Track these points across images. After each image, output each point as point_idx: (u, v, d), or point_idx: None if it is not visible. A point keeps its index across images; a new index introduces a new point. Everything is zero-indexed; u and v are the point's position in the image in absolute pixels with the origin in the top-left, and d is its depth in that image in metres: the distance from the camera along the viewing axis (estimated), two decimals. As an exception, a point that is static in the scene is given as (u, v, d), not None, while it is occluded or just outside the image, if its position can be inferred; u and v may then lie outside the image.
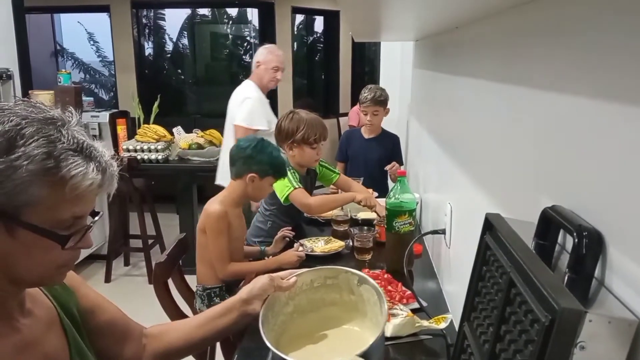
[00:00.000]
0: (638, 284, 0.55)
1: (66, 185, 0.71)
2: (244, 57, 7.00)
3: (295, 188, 2.14)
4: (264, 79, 3.21)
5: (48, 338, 0.84)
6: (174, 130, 4.06)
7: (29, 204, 0.70)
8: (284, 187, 2.16)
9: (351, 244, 2.03)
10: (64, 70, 4.40)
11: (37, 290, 0.86)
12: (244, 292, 1.15)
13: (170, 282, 1.91)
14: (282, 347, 1.12)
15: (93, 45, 7.29)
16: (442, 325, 1.32)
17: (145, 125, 3.92)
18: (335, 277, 1.24)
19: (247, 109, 3.09)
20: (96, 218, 0.80)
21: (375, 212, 2.16)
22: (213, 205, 1.91)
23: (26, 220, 0.71)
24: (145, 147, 3.74)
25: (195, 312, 2.02)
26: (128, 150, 3.75)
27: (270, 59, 3.21)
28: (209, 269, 1.95)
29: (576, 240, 0.61)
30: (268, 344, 1.04)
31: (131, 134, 3.98)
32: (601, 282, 0.62)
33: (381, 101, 2.99)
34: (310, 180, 2.39)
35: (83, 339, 0.91)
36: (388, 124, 3.27)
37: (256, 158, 1.89)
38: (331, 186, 2.56)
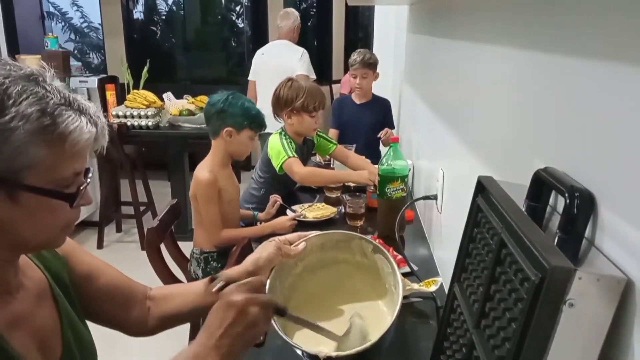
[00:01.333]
0: (628, 243, 0.55)
1: (65, 141, 0.69)
2: (236, 21, 6.86)
3: (289, 157, 2.13)
4: (297, 36, 3.87)
5: (39, 311, 0.82)
6: (164, 96, 4.00)
7: (29, 167, 0.68)
8: (279, 156, 2.15)
9: (343, 210, 2.03)
10: (51, 34, 4.30)
11: (28, 261, 0.84)
12: (249, 263, 1.07)
13: (163, 249, 1.92)
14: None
15: (78, 10, 7.11)
16: (432, 288, 1.34)
17: (135, 91, 3.85)
18: (347, 241, 1.15)
19: (308, 60, 3.78)
20: (90, 174, 0.78)
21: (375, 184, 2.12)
22: (202, 172, 1.90)
23: (29, 183, 0.68)
24: (135, 113, 3.69)
25: (189, 276, 2.04)
26: (118, 116, 3.69)
27: (299, 19, 3.88)
28: (207, 233, 1.96)
29: (568, 200, 0.61)
30: (273, 323, 0.96)
31: (120, 100, 3.92)
32: (591, 242, 0.62)
33: (370, 64, 2.96)
34: (306, 149, 2.38)
35: (75, 310, 0.89)
36: (382, 90, 3.24)
37: (228, 111, 1.88)
38: (326, 156, 2.55)
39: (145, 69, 4.04)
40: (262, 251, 1.08)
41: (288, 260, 1.12)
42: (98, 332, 0.97)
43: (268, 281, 1.06)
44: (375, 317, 1.08)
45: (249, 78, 3.96)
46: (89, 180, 0.77)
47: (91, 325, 0.95)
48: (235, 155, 1.97)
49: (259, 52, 3.95)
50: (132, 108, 3.71)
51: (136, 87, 3.99)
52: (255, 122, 1.92)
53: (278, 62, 3.71)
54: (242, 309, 0.80)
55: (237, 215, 2.07)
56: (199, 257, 1.99)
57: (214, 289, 0.89)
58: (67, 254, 0.91)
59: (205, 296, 1.05)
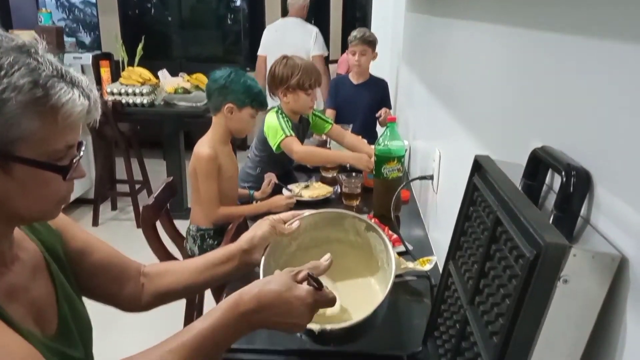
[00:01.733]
0: (623, 221, 0.55)
1: (58, 114, 0.69)
2: (232, -2, 6.77)
3: (287, 136, 2.12)
4: (306, 14, 3.90)
5: (35, 283, 0.82)
6: (159, 73, 3.96)
7: (21, 138, 0.67)
8: (276, 134, 2.14)
9: (339, 189, 2.04)
10: (44, 9, 4.24)
11: (23, 235, 0.84)
12: (244, 241, 1.08)
13: (158, 226, 1.91)
14: None
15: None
16: (427, 267, 1.35)
17: (130, 68, 3.81)
18: (340, 220, 1.15)
19: (321, 39, 3.86)
20: (83, 147, 0.78)
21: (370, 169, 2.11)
22: (202, 148, 1.90)
23: (21, 155, 0.68)
24: (130, 91, 3.65)
25: (184, 253, 2.04)
26: (112, 94, 3.66)
27: None
28: (204, 210, 1.96)
29: (564, 179, 0.61)
30: None
31: (115, 77, 3.88)
32: (587, 220, 0.63)
33: (370, 41, 2.94)
34: (302, 129, 2.37)
35: (70, 283, 0.90)
36: (379, 71, 3.22)
37: (230, 87, 1.89)
38: (323, 135, 2.53)
39: (140, 46, 3.98)
40: (257, 229, 1.09)
41: (282, 239, 1.12)
42: (94, 307, 0.97)
43: (262, 259, 1.06)
44: (368, 294, 1.09)
45: (259, 53, 3.98)
46: (81, 153, 0.77)
47: (87, 300, 0.95)
48: (235, 133, 1.97)
49: (270, 28, 3.94)
50: (127, 85, 3.67)
51: (131, 64, 3.94)
52: (257, 100, 1.92)
53: (293, 42, 3.69)
54: (303, 325, 0.84)
55: (235, 193, 2.08)
56: (195, 234, 2.00)
57: (301, 276, 0.87)
58: (60, 229, 0.91)
59: (199, 275, 1.06)
